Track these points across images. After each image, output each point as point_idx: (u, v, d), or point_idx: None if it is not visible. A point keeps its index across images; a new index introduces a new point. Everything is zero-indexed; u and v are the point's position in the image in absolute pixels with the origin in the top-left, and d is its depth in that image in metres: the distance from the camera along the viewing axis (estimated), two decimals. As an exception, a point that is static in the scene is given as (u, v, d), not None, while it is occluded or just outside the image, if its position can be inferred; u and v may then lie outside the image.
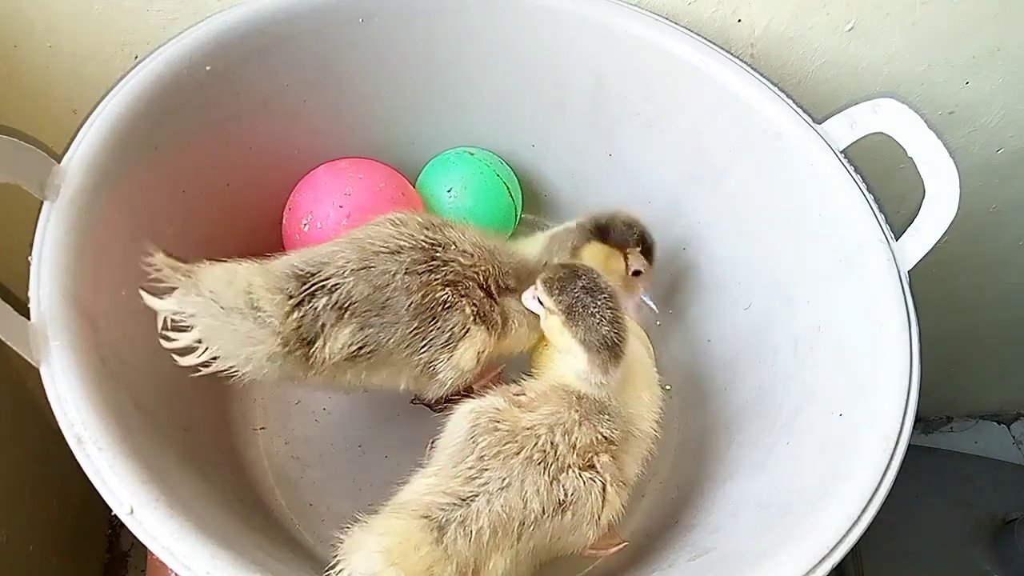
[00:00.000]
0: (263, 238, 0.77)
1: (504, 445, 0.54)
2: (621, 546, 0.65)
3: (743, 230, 0.75)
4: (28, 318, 0.50)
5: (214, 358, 0.52)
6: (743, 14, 0.77)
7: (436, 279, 0.59)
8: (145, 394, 0.56)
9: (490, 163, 0.82)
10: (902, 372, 0.55)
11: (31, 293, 0.51)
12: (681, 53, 0.71)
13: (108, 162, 0.57)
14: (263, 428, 0.73)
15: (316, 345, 0.55)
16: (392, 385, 0.62)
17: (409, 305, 0.58)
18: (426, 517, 0.50)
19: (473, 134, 0.84)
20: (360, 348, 0.57)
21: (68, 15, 0.73)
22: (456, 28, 0.74)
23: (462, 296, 0.60)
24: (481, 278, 0.62)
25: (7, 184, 0.51)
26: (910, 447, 0.52)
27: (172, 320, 0.52)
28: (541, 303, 0.60)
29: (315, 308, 0.55)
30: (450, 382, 0.61)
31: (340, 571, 0.48)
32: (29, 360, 0.49)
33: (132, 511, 0.45)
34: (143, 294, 0.51)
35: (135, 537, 0.45)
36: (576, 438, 0.55)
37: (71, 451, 0.47)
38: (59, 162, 0.55)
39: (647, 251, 0.70)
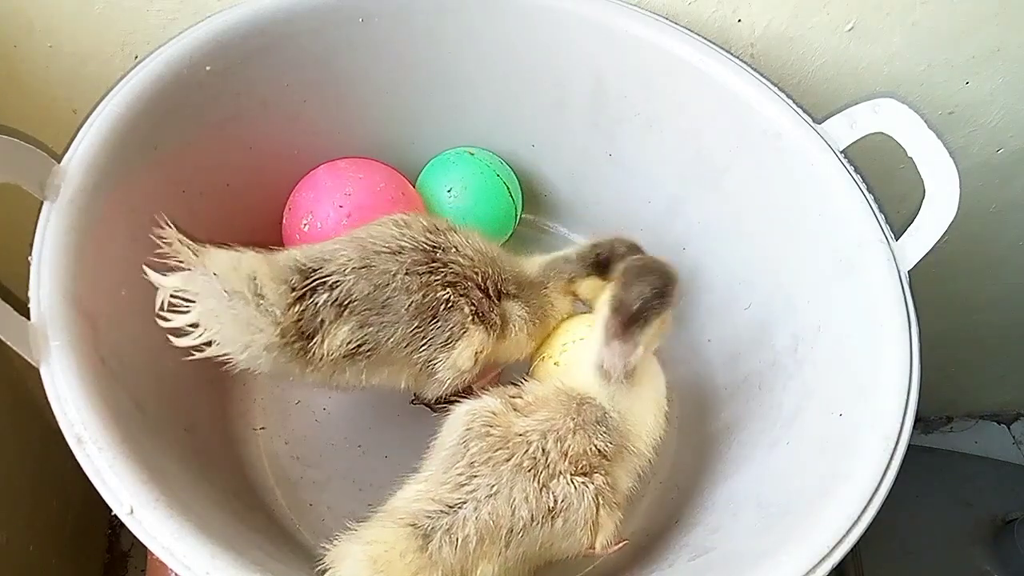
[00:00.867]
0: (263, 238, 0.77)
1: (495, 451, 0.54)
2: (621, 545, 0.65)
3: (743, 230, 0.75)
4: (28, 318, 0.50)
5: (210, 343, 0.52)
6: (743, 14, 0.77)
7: (436, 279, 0.59)
8: (145, 394, 0.56)
9: (490, 163, 0.82)
10: (902, 372, 0.55)
11: (31, 293, 0.51)
12: (681, 53, 0.70)
13: (108, 162, 0.57)
14: (263, 428, 0.73)
15: (315, 341, 0.55)
16: (391, 384, 0.62)
17: (409, 304, 0.58)
18: (412, 525, 0.50)
19: (473, 134, 0.84)
20: (359, 346, 0.57)
21: (68, 15, 0.73)
22: (456, 28, 0.74)
23: (461, 296, 0.60)
24: (480, 279, 0.62)
25: (7, 184, 0.51)
26: (910, 447, 0.52)
27: (171, 301, 0.52)
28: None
29: (315, 303, 0.55)
30: (448, 381, 0.62)
31: None
32: (29, 360, 0.49)
33: (132, 511, 0.45)
34: (146, 269, 0.51)
35: (135, 537, 0.45)
36: (569, 445, 0.55)
37: (71, 451, 0.47)
38: (59, 162, 0.55)
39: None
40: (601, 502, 0.55)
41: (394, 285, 0.58)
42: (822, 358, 0.63)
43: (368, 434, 0.73)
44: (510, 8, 0.73)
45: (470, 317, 0.60)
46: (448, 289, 0.60)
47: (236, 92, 0.69)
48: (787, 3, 0.76)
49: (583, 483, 0.54)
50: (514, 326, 0.64)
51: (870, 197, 0.63)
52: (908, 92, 0.84)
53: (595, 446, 0.56)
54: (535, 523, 0.52)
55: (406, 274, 0.58)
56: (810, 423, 0.61)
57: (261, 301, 0.53)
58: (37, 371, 0.49)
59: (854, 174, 0.64)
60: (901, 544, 1.06)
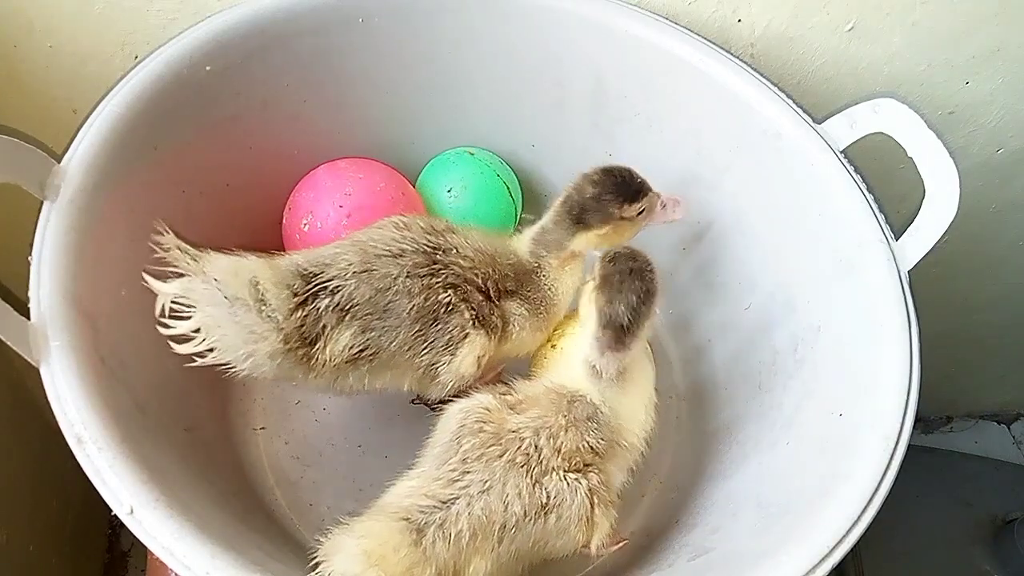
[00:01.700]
0: (263, 238, 0.77)
1: (488, 448, 0.54)
2: (621, 544, 0.65)
3: (743, 230, 0.75)
4: (28, 318, 0.50)
5: (211, 349, 0.52)
6: (743, 14, 0.77)
7: (437, 282, 0.59)
8: (145, 394, 0.56)
9: (490, 163, 0.82)
10: (902, 372, 0.55)
11: (31, 293, 0.51)
12: (681, 53, 0.70)
13: (108, 162, 0.57)
14: (263, 428, 0.73)
15: (317, 346, 0.55)
16: (394, 387, 0.62)
17: (411, 308, 0.58)
18: (406, 520, 0.50)
19: (473, 134, 0.84)
20: (361, 351, 0.57)
21: (68, 15, 0.73)
22: (456, 28, 0.74)
23: (462, 299, 0.60)
24: (480, 281, 0.62)
25: (7, 184, 0.51)
26: (910, 447, 0.52)
27: (172, 307, 0.51)
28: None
29: (317, 308, 0.55)
30: (451, 385, 0.61)
31: (321, 573, 0.48)
32: (29, 360, 0.49)
33: (132, 511, 0.45)
34: (145, 276, 0.51)
35: (135, 537, 0.45)
36: (561, 443, 0.55)
37: (71, 451, 0.47)
38: (59, 162, 0.55)
39: (633, 196, 0.63)
40: (596, 500, 0.55)
41: (395, 288, 0.57)
42: (822, 358, 0.63)
43: (368, 434, 0.73)
44: (510, 8, 0.73)
45: (471, 321, 0.60)
46: (449, 291, 0.59)
47: (236, 92, 0.69)
48: (787, 3, 0.76)
49: (576, 479, 0.54)
50: (515, 325, 0.64)
51: (870, 197, 0.63)
52: (908, 92, 0.84)
53: (587, 443, 0.56)
54: (528, 519, 0.52)
55: (407, 277, 0.58)
56: (810, 423, 0.61)
57: (263, 307, 0.53)
58: (37, 371, 0.49)
59: (854, 174, 0.64)
60: (901, 544, 1.06)
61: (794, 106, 0.67)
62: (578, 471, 0.55)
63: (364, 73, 0.76)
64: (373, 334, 0.57)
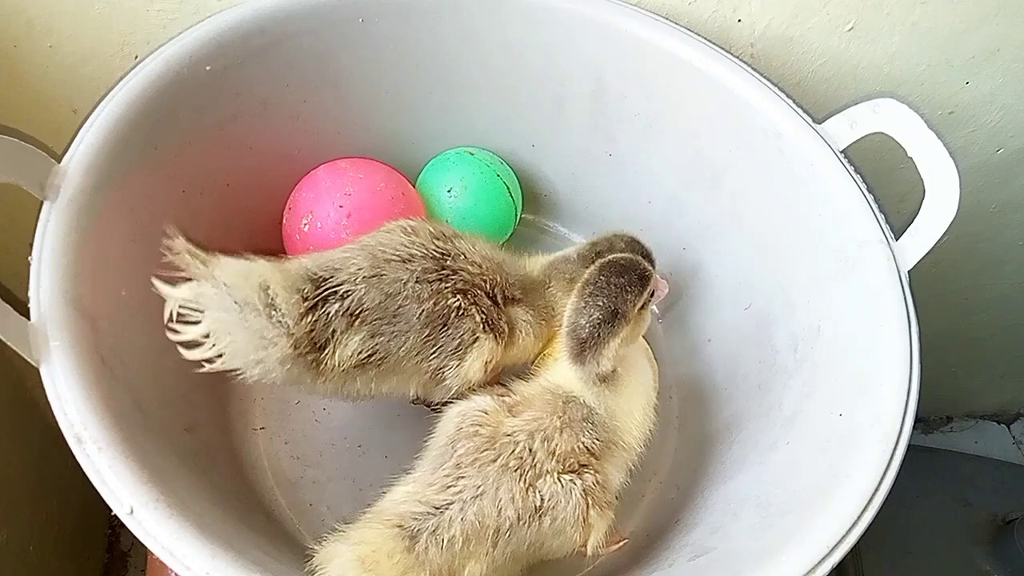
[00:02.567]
0: (263, 238, 0.77)
1: (482, 452, 0.54)
2: (621, 544, 0.65)
3: (743, 230, 0.75)
4: (28, 318, 0.50)
5: (220, 355, 0.51)
6: (743, 14, 0.77)
7: (447, 287, 0.59)
8: (145, 394, 0.56)
9: (490, 163, 0.82)
10: (902, 372, 0.55)
11: (31, 293, 0.51)
12: (681, 53, 0.70)
13: (108, 162, 0.57)
14: (263, 428, 0.73)
15: (327, 351, 0.55)
16: (400, 392, 0.62)
17: (420, 313, 0.57)
18: (399, 526, 0.50)
19: (473, 134, 0.84)
20: (370, 356, 0.57)
21: (68, 15, 0.73)
22: (456, 28, 0.74)
23: (472, 304, 0.60)
24: (488, 287, 0.62)
25: (7, 184, 0.51)
26: (910, 447, 0.52)
27: (180, 312, 0.50)
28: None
29: (327, 313, 0.55)
30: (455, 389, 0.61)
31: None
32: (29, 360, 0.49)
33: (132, 511, 0.45)
34: (155, 281, 0.50)
35: (135, 537, 0.45)
36: (556, 444, 0.55)
37: (71, 451, 0.47)
38: (59, 162, 0.55)
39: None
40: (591, 502, 0.55)
41: (405, 293, 0.57)
42: (822, 358, 0.63)
43: (368, 434, 0.73)
44: (510, 8, 0.73)
45: (481, 326, 0.60)
46: (458, 296, 0.59)
47: (236, 92, 0.69)
48: (787, 3, 0.76)
49: (571, 480, 0.54)
50: (521, 331, 0.64)
51: (870, 197, 0.63)
52: (908, 92, 0.84)
53: (582, 444, 0.56)
54: (521, 523, 0.52)
55: (416, 282, 0.58)
56: (810, 423, 0.61)
57: (273, 312, 0.52)
58: (37, 371, 0.49)
59: (854, 174, 0.64)
60: (901, 544, 1.06)
61: (794, 106, 0.67)
62: (573, 472, 0.55)
63: (364, 73, 0.76)
64: (382, 339, 0.57)
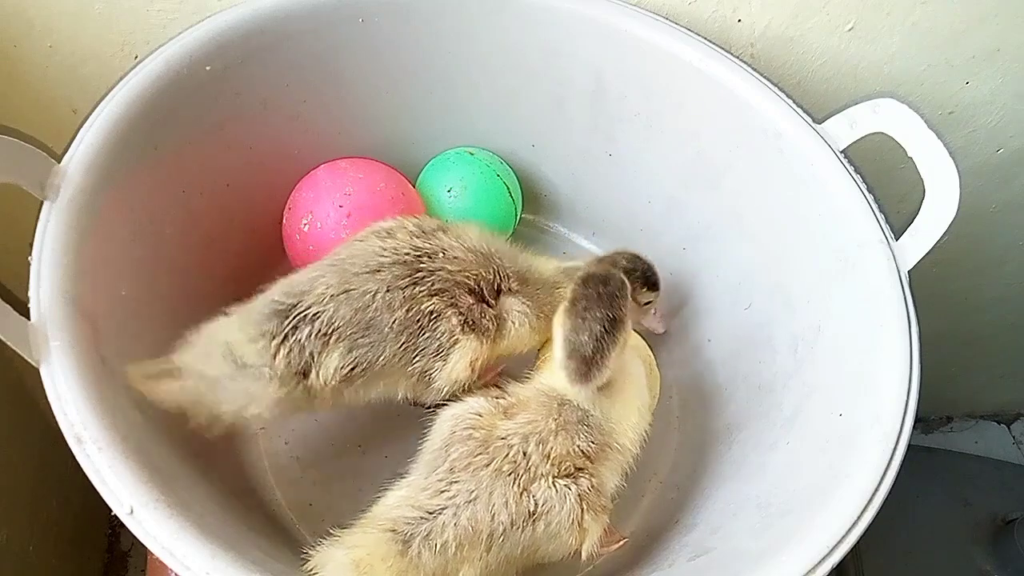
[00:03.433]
0: (263, 238, 0.77)
1: (475, 456, 0.54)
2: (621, 543, 0.65)
3: (743, 230, 0.75)
4: (28, 318, 0.50)
5: (235, 418, 0.54)
6: (743, 14, 0.77)
7: (421, 291, 0.59)
8: (145, 394, 0.56)
9: (490, 163, 0.82)
10: (902, 372, 0.55)
11: (31, 293, 0.51)
12: (681, 53, 0.70)
13: (108, 162, 0.57)
14: (263, 428, 0.73)
15: (311, 375, 0.56)
16: (391, 395, 0.62)
17: (393, 322, 0.58)
18: (392, 531, 0.50)
19: (473, 134, 0.84)
20: (352, 369, 0.57)
21: (68, 15, 0.73)
22: (456, 28, 0.74)
23: (449, 305, 0.60)
24: (472, 282, 0.61)
25: (7, 184, 0.51)
26: (910, 447, 0.52)
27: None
28: None
29: (299, 340, 0.55)
30: (446, 389, 0.61)
31: None
32: (29, 360, 0.49)
33: (132, 511, 0.45)
34: (143, 389, 0.52)
35: (135, 537, 0.45)
36: (551, 448, 0.55)
37: (71, 451, 0.47)
38: (59, 162, 0.55)
39: (651, 285, 0.71)
40: (586, 507, 0.55)
41: (375, 305, 0.57)
42: (822, 358, 0.63)
43: (368, 434, 0.73)
44: (510, 8, 0.73)
45: (459, 327, 0.60)
46: (433, 299, 0.59)
47: (236, 92, 0.69)
48: (787, 3, 0.76)
49: (565, 485, 0.54)
50: (514, 322, 0.64)
51: (870, 197, 0.63)
52: (908, 92, 0.84)
53: (578, 447, 0.56)
54: (515, 528, 0.52)
55: (387, 291, 0.58)
56: (810, 423, 0.61)
57: (247, 369, 0.54)
58: (37, 371, 0.49)
59: (854, 174, 0.64)
60: (901, 544, 1.06)
61: (794, 106, 0.67)
62: (568, 475, 0.55)
63: (364, 73, 0.76)
64: (361, 351, 0.57)
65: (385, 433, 0.73)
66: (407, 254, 0.60)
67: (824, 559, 0.48)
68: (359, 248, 0.61)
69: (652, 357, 0.74)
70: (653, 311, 0.75)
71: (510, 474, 0.53)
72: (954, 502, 1.15)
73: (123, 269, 0.59)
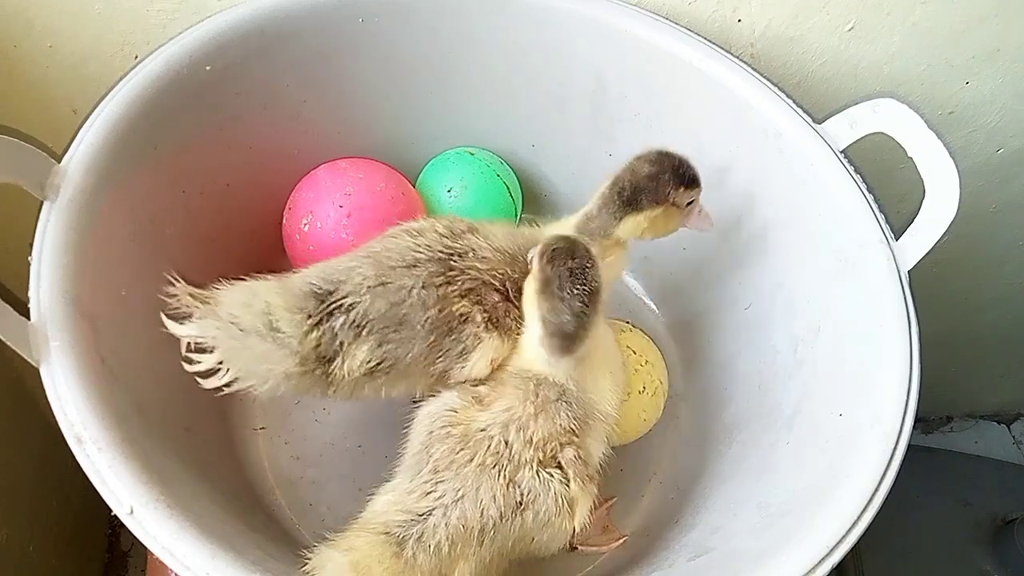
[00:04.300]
0: (263, 238, 0.77)
1: (457, 453, 0.54)
2: (620, 541, 0.65)
3: (743, 230, 0.75)
4: (28, 318, 0.50)
5: (235, 379, 0.53)
6: (743, 14, 0.77)
7: (453, 291, 0.58)
8: (145, 394, 0.56)
9: (490, 163, 0.82)
10: (902, 372, 0.55)
11: (31, 293, 0.51)
12: (681, 53, 0.71)
13: (108, 162, 0.57)
14: (263, 428, 0.73)
15: (335, 363, 0.55)
16: (407, 394, 0.62)
17: (425, 320, 0.57)
18: (385, 533, 0.51)
19: (473, 134, 0.84)
20: (378, 364, 0.57)
21: (68, 15, 0.73)
22: (456, 28, 0.74)
23: (476, 304, 0.59)
24: (498, 282, 0.60)
25: (7, 184, 0.51)
26: (910, 447, 0.52)
27: (196, 343, 0.52)
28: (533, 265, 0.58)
29: (332, 328, 0.55)
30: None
31: None
32: (29, 360, 0.49)
33: (132, 511, 0.45)
34: (165, 320, 0.51)
35: (135, 537, 0.45)
36: (532, 432, 0.55)
37: (71, 451, 0.47)
38: (59, 162, 0.55)
39: (689, 182, 0.62)
40: (572, 475, 0.55)
41: (410, 301, 0.57)
42: (822, 358, 0.63)
43: (368, 434, 0.73)
44: (510, 8, 0.73)
45: (482, 326, 0.59)
46: (463, 300, 0.59)
47: (236, 92, 0.69)
48: (787, 3, 0.76)
49: (548, 474, 0.54)
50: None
51: (870, 197, 0.63)
52: (908, 92, 0.84)
53: (560, 426, 0.56)
54: (504, 520, 0.53)
55: (423, 288, 0.57)
56: (810, 423, 0.61)
57: (278, 335, 0.53)
58: (37, 371, 0.49)
59: (854, 174, 0.64)
60: (901, 544, 1.06)
61: (794, 106, 0.67)
62: (553, 458, 0.55)
63: (364, 73, 0.76)
64: (390, 347, 0.57)
65: (385, 433, 0.72)
66: (440, 251, 0.60)
67: (824, 559, 0.48)
68: (392, 243, 0.60)
69: (657, 351, 0.74)
70: (699, 209, 0.65)
71: (494, 467, 0.53)
72: (954, 502, 1.15)
73: (123, 269, 0.59)
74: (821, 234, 0.66)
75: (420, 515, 0.52)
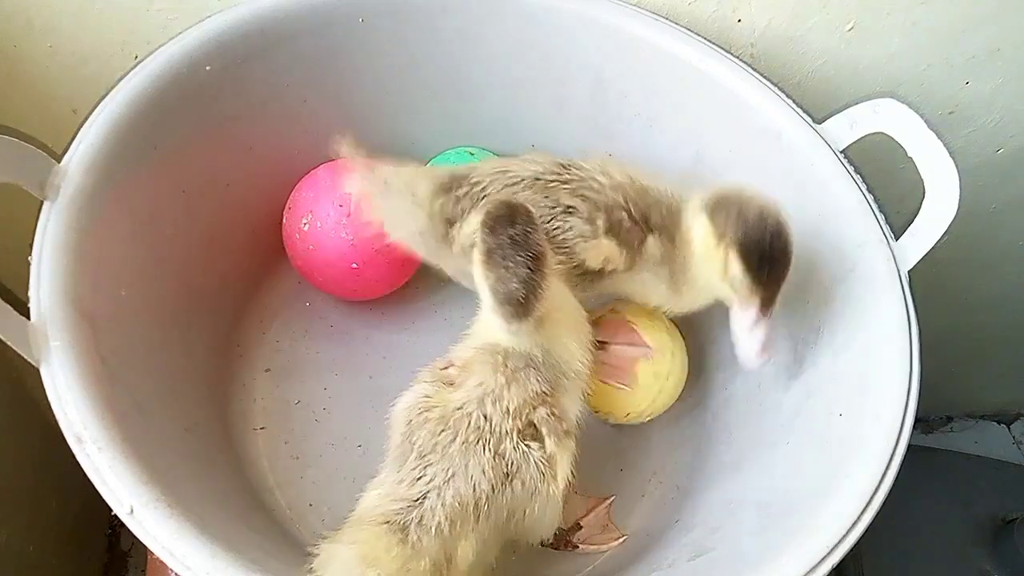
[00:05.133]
0: (263, 238, 0.78)
1: (439, 435, 0.54)
2: (620, 540, 0.65)
3: (743, 230, 0.74)
4: (28, 318, 0.50)
5: (387, 232, 0.64)
6: (743, 14, 0.77)
7: (566, 188, 0.62)
8: (145, 394, 0.56)
9: (490, 163, 0.82)
10: (902, 372, 0.55)
11: (31, 293, 0.51)
12: (681, 53, 0.71)
13: (108, 162, 0.57)
14: (263, 428, 0.73)
15: (455, 226, 0.62)
16: None
17: (532, 198, 0.61)
18: (387, 523, 0.51)
19: (473, 134, 0.84)
20: None
21: (68, 15, 0.73)
22: (456, 28, 0.74)
23: (598, 210, 0.61)
24: (624, 203, 0.62)
25: (7, 184, 0.51)
26: (910, 447, 0.52)
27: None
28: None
29: (457, 196, 0.62)
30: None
31: None
32: (29, 360, 0.49)
33: (132, 511, 0.45)
34: (346, 180, 0.65)
35: (135, 537, 0.45)
36: (508, 402, 0.55)
37: (71, 451, 0.47)
38: (59, 162, 0.55)
39: (751, 259, 0.56)
40: (546, 432, 0.55)
41: (521, 186, 0.62)
42: (822, 358, 0.63)
43: (368, 434, 0.73)
44: (510, 8, 0.73)
45: (603, 229, 0.61)
46: (576, 199, 0.62)
47: (236, 92, 0.69)
48: (787, 3, 0.76)
49: (526, 445, 0.55)
50: (649, 261, 0.63)
51: (870, 197, 0.63)
52: (908, 92, 0.84)
53: (533, 391, 0.56)
54: (496, 492, 0.53)
55: (536, 179, 0.62)
56: (810, 423, 0.61)
57: (415, 196, 0.62)
58: (37, 371, 0.49)
59: (854, 174, 0.64)
60: (901, 544, 1.06)
61: (794, 106, 0.67)
62: (530, 424, 0.56)
63: (364, 73, 0.76)
64: None
65: (385, 433, 0.73)
66: (559, 167, 0.64)
67: (824, 559, 0.48)
68: (515, 160, 0.65)
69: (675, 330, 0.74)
70: (757, 318, 0.59)
71: (477, 442, 0.54)
72: (954, 502, 1.15)
73: (123, 269, 0.59)
74: (821, 234, 0.66)
75: (415, 500, 0.52)
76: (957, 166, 0.58)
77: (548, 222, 0.62)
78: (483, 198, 0.62)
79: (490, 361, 0.57)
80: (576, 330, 0.60)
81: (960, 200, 0.58)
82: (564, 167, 0.64)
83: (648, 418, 0.72)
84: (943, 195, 0.59)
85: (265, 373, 0.76)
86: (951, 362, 1.33)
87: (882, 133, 0.63)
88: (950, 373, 1.38)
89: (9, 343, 0.48)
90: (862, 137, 0.65)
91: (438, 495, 0.52)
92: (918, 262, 0.60)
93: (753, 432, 0.68)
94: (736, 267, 0.56)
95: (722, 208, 0.58)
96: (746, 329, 0.59)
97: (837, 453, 0.55)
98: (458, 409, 0.55)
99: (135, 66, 0.62)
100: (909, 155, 0.61)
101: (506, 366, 0.56)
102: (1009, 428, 1.62)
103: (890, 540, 1.04)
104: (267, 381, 0.75)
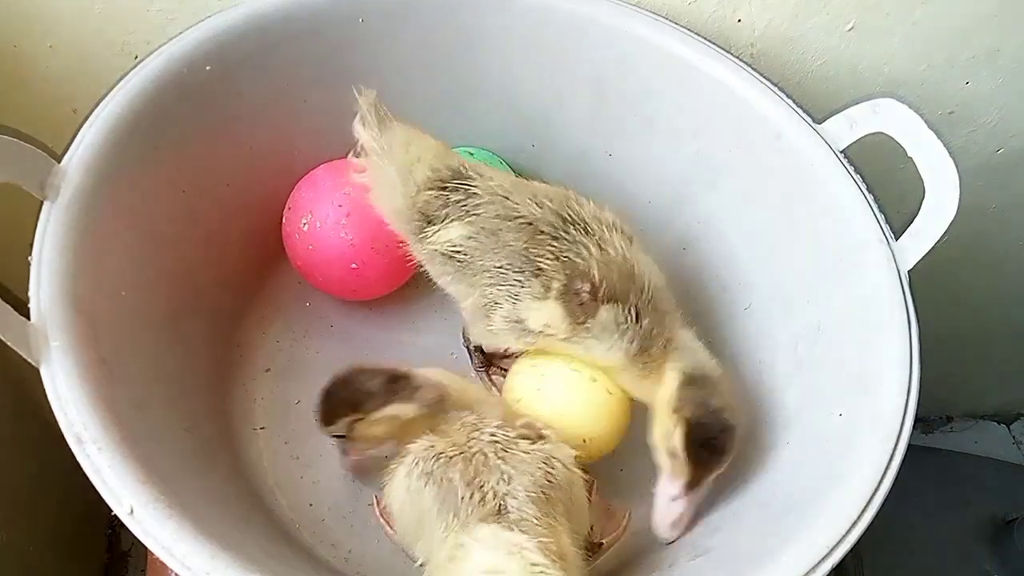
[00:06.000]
0: (263, 238, 0.77)
1: (468, 467, 0.54)
2: (628, 516, 0.65)
3: (743, 230, 0.75)
4: (28, 318, 0.50)
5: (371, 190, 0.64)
6: (743, 14, 0.77)
7: (552, 247, 0.59)
8: (145, 394, 0.56)
9: (490, 163, 0.82)
10: (902, 372, 0.55)
11: (31, 293, 0.51)
12: (681, 53, 0.70)
13: (108, 162, 0.57)
14: (263, 428, 0.73)
15: (432, 227, 0.62)
16: (459, 299, 0.65)
17: (508, 242, 0.60)
18: (509, 554, 0.50)
19: (473, 134, 0.84)
20: (456, 251, 0.61)
21: (68, 15, 0.73)
22: (456, 28, 0.74)
23: (560, 271, 0.59)
24: (597, 278, 0.59)
25: (7, 184, 0.51)
26: (910, 447, 0.52)
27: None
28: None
29: (448, 198, 0.61)
30: (500, 334, 0.63)
31: None
32: (29, 360, 0.49)
33: (132, 511, 0.45)
34: (356, 126, 0.63)
35: (135, 537, 0.45)
36: (493, 423, 0.58)
37: (71, 451, 0.47)
38: (59, 162, 0.55)
39: (694, 441, 0.58)
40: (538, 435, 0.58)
41: (511, 222, 0.60)
42: (822, 358, 0.63)
43: (368, 434, 0.73)
44: (510, 8, 0.73)
45: (556, 293, 0.59)
46: (552, 261, 0.59)
47: (236, 92, 0.69)
48: (787, 3, 0.76)
49: (530, 446, 0.57)
50: (599, 340, 0.61)
51: (870, 197, 0.63)
52: (908, 92, 0.83)
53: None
54: (550, 481, 0.55)
55: (528, 224, 0.60)
56: (810, 423, 0.61)
57: (408, 176, 0.62)
58: (37, 371, 0.49)
59: (854, 174, 0.64)
60: (901, 544, 1.06)
61: (794, 106, 0.67)
62: (527, 428, 0.58)
63: (363, 73, 0.76)
64: (471, 242, 0.60)
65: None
66: (568, 215, 0.61)
67: (824, 559, 0.48)
68: (543, 187, 0.64)
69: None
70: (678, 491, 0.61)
71: (504, 450, 0.55)
72: (954, 502, 1.15)
73: (123, 269, 0.59)
74: (821, 234, 0.66)
75: (499, 512, 0.52)
76: (957, 166, 0.58)
77: (517, 273, 0.59)
78: (472, 213, 0.60)
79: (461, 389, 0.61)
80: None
81: (960, 200, 0.58)
82: (566, 220, 0.60)
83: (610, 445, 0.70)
84: (943, 195, 0.59)
85: (265, 373, 0.76)
86: (951, 362, 1.32)
87: (882, 133, 0.63)
88: (950, 373, 1.38)
89: (9, 343, 0.48)
90: (862, 137, 0.65)
91: (514, 500, 0.53)
92: (918, 262, 0.60)
93: (753, 432, 0.68)
94: (678, 440, 0.58)
95: (694, 385, 0.60)
96: (666, 499, 0.61)
97: (837, 453, 0.55)
98: (468, 436, 0.56)
99: (135, 66, 0.62)
100: (909, 155, 0.61)
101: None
102: (1009, 428, 1.62)
103: (890, 540, 1.04)
104: (267, 381, 0.75)
